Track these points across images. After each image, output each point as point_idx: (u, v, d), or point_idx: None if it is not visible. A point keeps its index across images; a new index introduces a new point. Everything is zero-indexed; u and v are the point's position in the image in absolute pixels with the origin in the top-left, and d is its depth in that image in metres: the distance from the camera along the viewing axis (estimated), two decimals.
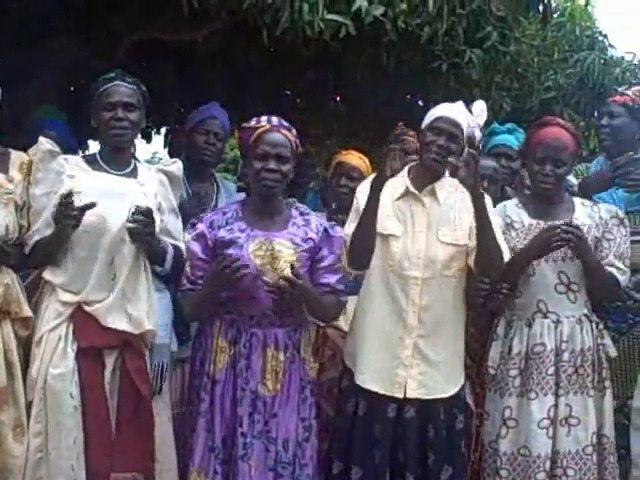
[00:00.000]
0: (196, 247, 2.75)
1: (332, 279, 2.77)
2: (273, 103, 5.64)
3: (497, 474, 2.91)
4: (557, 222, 2.86)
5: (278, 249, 2.70)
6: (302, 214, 2.84)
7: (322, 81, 5.41)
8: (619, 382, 3.14)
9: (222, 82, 5.23)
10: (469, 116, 2.86)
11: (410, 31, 3.84)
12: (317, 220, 2.84)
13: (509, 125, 3.69)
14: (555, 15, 5.97)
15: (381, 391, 2.79)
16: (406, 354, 2.80)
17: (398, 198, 2.86)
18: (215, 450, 2.68)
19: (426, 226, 2.81)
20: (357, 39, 3.84)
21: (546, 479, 2.84)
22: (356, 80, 4.46)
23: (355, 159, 3.62)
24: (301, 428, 2.74)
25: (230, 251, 2.68)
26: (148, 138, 6.45)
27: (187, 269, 2.76)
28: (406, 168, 2.93)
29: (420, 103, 5.18)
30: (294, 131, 2.78)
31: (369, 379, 2.81)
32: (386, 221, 2.81)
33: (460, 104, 2.90)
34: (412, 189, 2.87)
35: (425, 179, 2.87)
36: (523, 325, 2.95)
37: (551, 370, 2.89)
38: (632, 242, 3.06)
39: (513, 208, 3.05)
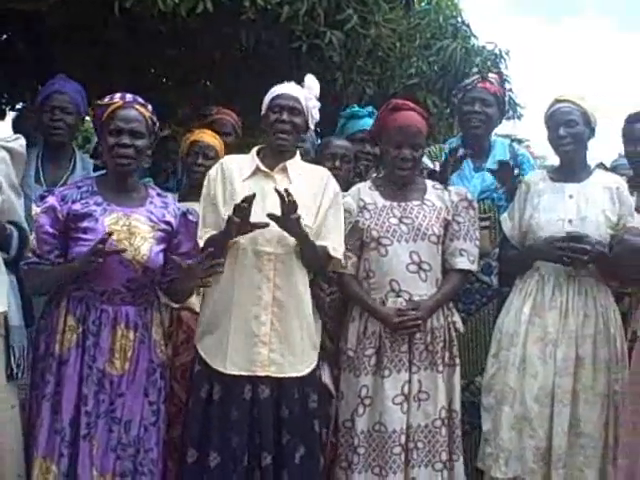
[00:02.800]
0: (44, 220, 2.66)
1: (187, 262, 2.70)
2: (137, 80, 5.47)
3: (355, 452, 2.94)
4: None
5: (135, 224, 2.67)
6: (159, 195, 2.83)
7: (186, 60, 5.30)
8: (467, 362, 3.23)
9: (82, 57, 5.02)
10: (304, 90, 2.93)
11: (270, 9, 3.80)
12: (174, 203, 2.83)
13: (370, 109, 3.69)
14: (422, 3, 6.11)
15: (241, 372, 2.76)
16: (264, 331, 2.78)
17: (247, 178, 2.87)
18: (61, 432, 2.59)
19: (278, 203, 2.79)
20: (215, 17, 3.76)
21: (402, 453, 2.91)
22: (214, 59, 4.37)
23: (210, 138, 3.56)
24: (149, 411, 2.70)
25: (84, 224, 2.63)
26: (2, 115, 6.10)
27: (33, 242, 2.68)
28: (255, 149, 2.97)
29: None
30: (150, 107, 2.76)
31: (227, 361, 2.76)
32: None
33: (292, 83, 2.96)
34: (263, 167, 2.88)
35: (276, 158, 2.89)
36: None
37: (404, 348, 2.94)
38: (481, 228, 3.16)
39: (366, 190, 3.09)
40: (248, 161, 2.91)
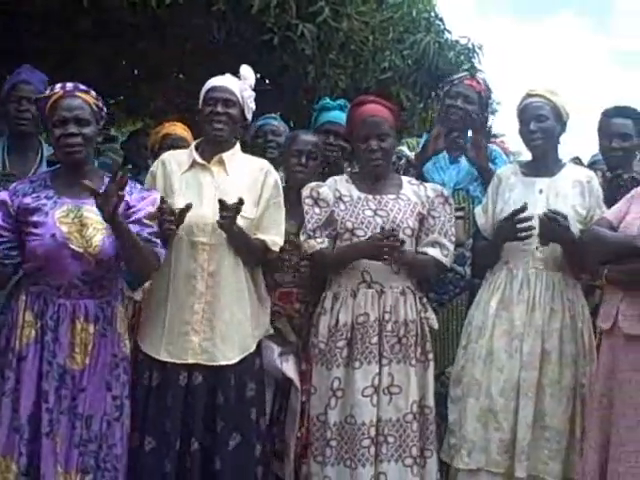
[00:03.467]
0: None
1: (145, 231, 2.67)
2: (107, 73, 5.41)
3: (327, 445, 2.93)
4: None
5: (87, 216, 2.62)
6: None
7: (158, 53, 5.24)
8: (437, 352, 3.22)
9: (53, 49, 4.98)
10: (239, 81, 2.95)
11: (240, 1, 3.78)
12: (131, 184, 2.75)
13: (341, 101, 3.66)
14: None
15: (173, 360, 2.80)
16: (196, 319, 2.82)
17: (185, 171, 2.91)
18: (20, 430, 2.55)
19: (214, 194, 2.83)
20: (186, 8, 3.74)
21: (371, 446, 2.90)
22: (185, 51, 4.33)
23: (181, 130, 3.55)
24: (112, 406, 2.67)
25: (34, 218, 2.59)
26: None
27: None
28: (194, 142, 3.02)
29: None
30: (93, 93, 2.71)
31: (161, 349, 2.81)
32: (174, 198, 2.83)
33: (227, 74, 2.97)
34: (200, 160, 2.91)
35: (213, 150, 2.93)
36: (348, 296, 2.99)
37: (374, 340, 2.94)
38: (455, 218, 3.17)
39: (343, 182, 3.10)
40: (187, 155, 2.95)
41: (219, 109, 2.86)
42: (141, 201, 2.71)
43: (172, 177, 2.89)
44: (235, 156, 2.96)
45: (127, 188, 2.61)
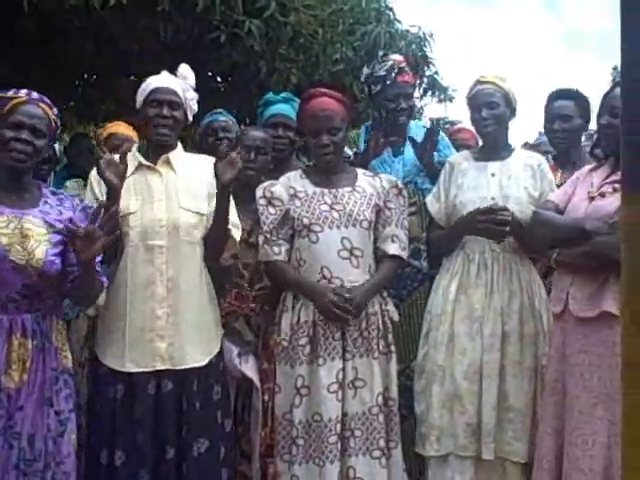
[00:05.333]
0: None
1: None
2: (53, 76, 5.32)
3: (294, 443, 2.91)
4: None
5: (28, 227, 2.50)
6: (54, 194, 2.66)
7: (105, 55, 5.17)
8: (402, 347, 3.23)
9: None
10: (179, 80, 2.87)
11: (186, 0, 3.73)
12: (72, 198, 2.68)
13: (284, 94, 3.64)
14: None
15: (140, 369, 2.73)
16: (160, 325, 2.75)
17: (131, 174, 2.80)
18: None
19: (165, 195, 2.79)
20: (130, 9, 3.68)
21: (338, 441, 2.89)
22: (133, 52, 4.27)
23: (125, 129, 3.50)
24: (55, 422, 2.55)
25: None
26: None
27: None
28: (135, 146, 2.97)
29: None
30: (55, 110, 2.61)
31: (125, 360, 2.73)
32: (123, 202, 2.74)
33: (165, 72, 2.90)
34: (145, 162, 2.85)
35: (158, 152, 2.87)
36: None
37: (337, 335, 2.92)
38: (408, 214, 3.17)
39: (297, 179, 3.06)
40: (130, 158, 2.82)
41: (165, 112, 2.78)
42: (85, 220, 2.58)
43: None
44: (179, 154, 2.90)
45: (69, 205, 2.57)
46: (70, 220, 2.56)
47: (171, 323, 2.76)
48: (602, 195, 2.69)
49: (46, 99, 2.60)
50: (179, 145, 2.92)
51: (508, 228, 2.96)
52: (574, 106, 3.47)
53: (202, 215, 2.80)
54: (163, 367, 2.74)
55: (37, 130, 2.50)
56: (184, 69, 2.90)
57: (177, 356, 2.75)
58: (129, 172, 2.79)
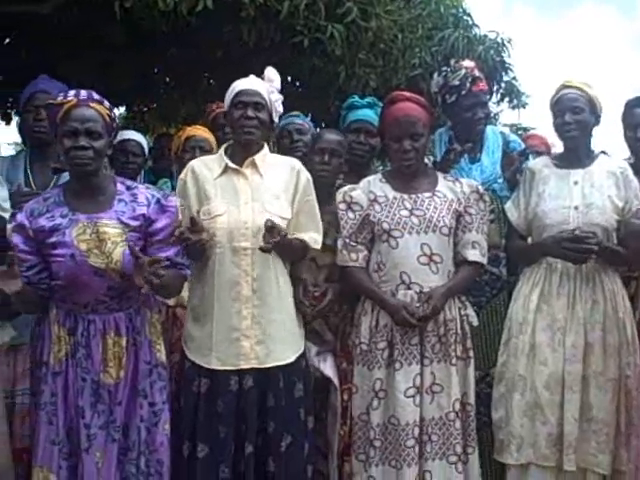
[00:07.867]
0: (17, 239, 2.55)
1: (170, 252, 2.66)
2: (139, 81, 5.47)
3: (371, 445, 2.94)
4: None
5: (103, 231, 2.56)
6: (129, 188, 2.67)
7: (189, 59, 5.30)
8: (481, 353, 3.21)
9: (86, 60, 5.04)
10: (265, 83, 2.91)
11: (269, 6, 3.79)
12: (146, 191, 2.68)
13: (369, 99, 3.61)
14: None
15: (225, 367, 2.79)
16: (245, 325, 2.80)
17: (218, 177, 2.88)
18: (59, 444, 2.56)
19: (251, 197, 2.83)
20: (216, 14, 3.76)
21: (415, 445, 2.90)
22: (217, 57, 4.37)
23: (203, 132, 3.57)
24: (149, 413, 2.65)
25: (53, 239, 2.53)
26: (8, 119, 6.12)
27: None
28: (223, 147, 2.99)
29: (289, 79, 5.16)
30: (107, 104, 2.61)
31: (212, 357, 2.80)
32: (211, 204, 2.82)
33: (252, 76, 2.94)
34: (232, 165, 2.89)
35: (243, 154, 2.90)
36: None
37: (415, 340, 2.92)
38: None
39: (377, 183, 3.06)
40: (217, 160, 2.92)
41: (249, 113, 2.82)
42: (160, 214, 2.65)
43: (205, 183, 2.86)
44: (266, 158, 2.92)
45: (144, 199, 2.61)
46: (142, 216, 2.60)
47: (256, 322, 2.80)
48: None
49: (95, 95, 2.59)
50: (265, 147, 2.95)
51: (594, 256, 2.92)
52: None
53: (285, 219, 2.84)
54: (247, 366, 2.79)
55: (93, 132, 2.51)
56: (270, 72, 2.95)
57: (262, 355, 2.80)
58: (216, 174, 2.87)
